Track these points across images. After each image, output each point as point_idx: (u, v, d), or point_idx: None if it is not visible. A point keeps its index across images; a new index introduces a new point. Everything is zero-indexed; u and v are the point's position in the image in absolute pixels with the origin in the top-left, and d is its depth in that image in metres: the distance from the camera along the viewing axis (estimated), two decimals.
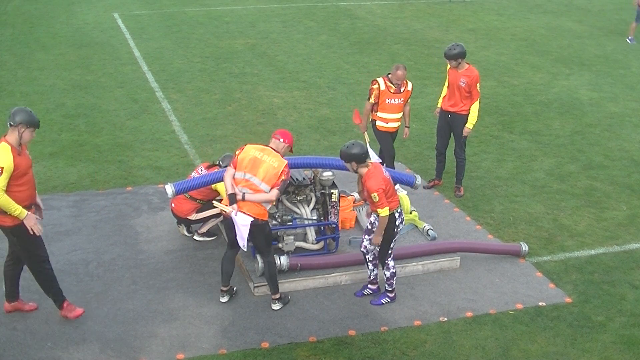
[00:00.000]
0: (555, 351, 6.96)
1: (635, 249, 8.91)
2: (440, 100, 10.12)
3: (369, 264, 7.61)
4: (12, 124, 6.62)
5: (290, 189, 8.22)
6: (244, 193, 7.04)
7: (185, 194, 8.39)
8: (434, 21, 21.10)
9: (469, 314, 7.49)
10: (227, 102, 13.66)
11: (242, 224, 7.02)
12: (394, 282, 7.54)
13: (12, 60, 16.09)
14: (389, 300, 7.60)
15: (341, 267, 7.95)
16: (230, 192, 7.07)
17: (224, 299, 7.52)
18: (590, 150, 11.83)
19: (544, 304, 7.70)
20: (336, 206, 8.24)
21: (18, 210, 6.55)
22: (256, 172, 7.07)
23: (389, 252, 7.44)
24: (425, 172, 10.68)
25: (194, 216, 8.57)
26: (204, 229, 8.69)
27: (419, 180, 8.83)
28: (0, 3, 22.15)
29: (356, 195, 9.18)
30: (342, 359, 6.79)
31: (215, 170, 8.37)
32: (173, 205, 8.61)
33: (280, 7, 22.44)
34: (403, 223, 7.45)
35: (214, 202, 7.70)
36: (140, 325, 7.16)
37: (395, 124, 9.75)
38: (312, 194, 8.33)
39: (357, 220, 8.94)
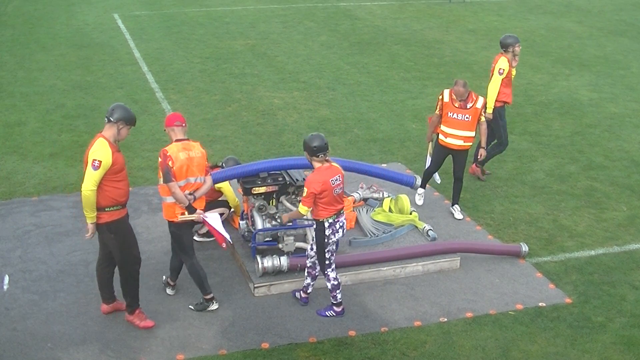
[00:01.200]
0: (555, 352, 6.96)
1: (635, 249, 8.91)
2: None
3: (305, 269, 7.55)
4: (111, 119, 6.56)
5: (290, 189, 8.22)
6: (193, 196, 6.98)
7: None
8: (434, 22, 21.10)
9: (469, 314, 7.49)
10: (227, 103, 13.66)
11: (214, 220, 7.12)
12: (338, 294, 7.27)
13: (12, 61, 16.09)
14: (334, 315, 7.34)
15: (341, 268, 7.94)
16: (186, 204, 6.94)
17: (215, 306, 7.38)
18: (590, 151, 11.83)
19: (544, 304, 7.70)
20: None
21: (93, 214, 6.53)
22: (193, 172, 6.97)
23: (326, 262, 7.20)
24: None
25: None
26: (204, 230, 8.69)
27: (418, 180, 8.84)
28: (0, 4, 22.16)
29: (356, 195, 9.19)
30: (342, 359, 6.79)
31: (217, 171, 8.37)
32: None
33: (280, 8, 22.45)
34: (337, 236, 7.14)
35: (179, 216, 7.02)
36: None
37: (456, 142, 9.06)
38: None
39: (357, 221, 8.93)
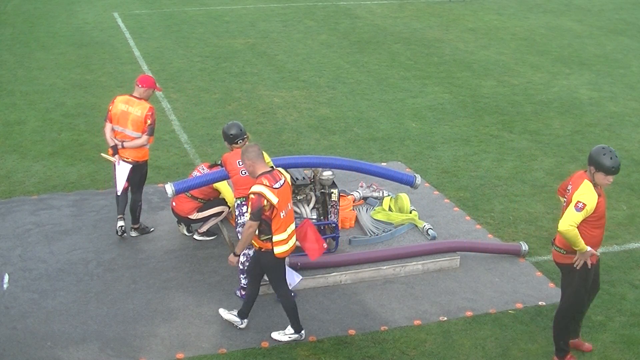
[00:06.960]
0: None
1: (635, 248, 8.91)
2: None
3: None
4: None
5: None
6: (122, 142, 8.23)
7: (186, 193, 8.39)
8: (434, 21, 21.09)
9: (469, 313, 7.49)
10: (227, 102, 13.66)
11: (122, 171, 8.31)
12: (242, 279, 7.46)
13: (12, 60, 16.09)
14: (239, 296, 7.54)
15: (341, 267, 7.95)
16: (111, 144, 8.29)
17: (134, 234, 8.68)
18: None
19: (544, 303, 7.70)
20: (336, 205, 8.24)
21: (582, 244, 6.38)
22: (126, 124, 8.23)
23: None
24: (425, 172, 10.68)
25: (195, 215, 8.57)
26: (204, 228, 8.69)
27: (418, 179, 8.82)
28: (0, 2, 22.14)
29: (356, 194, 9.19)
30: (342, 358, 6.79)
31: (217, 169, 8.38)
32: (174, 204, 8.61)
33: (280, 7, 22.44)
34: (242, 219, 7.26)
35: (101, 154, 8.57)
36: (140, 324, 7.16)
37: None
38: (312, 194, 8.33)
39: (357, 220, 8.93)
